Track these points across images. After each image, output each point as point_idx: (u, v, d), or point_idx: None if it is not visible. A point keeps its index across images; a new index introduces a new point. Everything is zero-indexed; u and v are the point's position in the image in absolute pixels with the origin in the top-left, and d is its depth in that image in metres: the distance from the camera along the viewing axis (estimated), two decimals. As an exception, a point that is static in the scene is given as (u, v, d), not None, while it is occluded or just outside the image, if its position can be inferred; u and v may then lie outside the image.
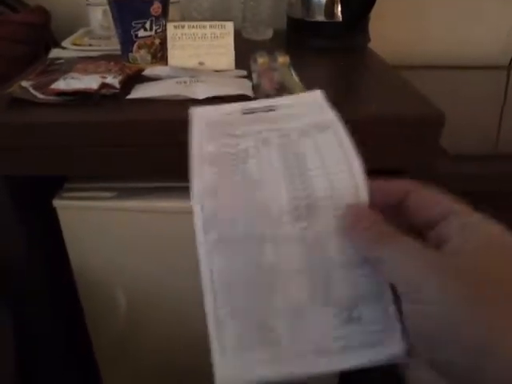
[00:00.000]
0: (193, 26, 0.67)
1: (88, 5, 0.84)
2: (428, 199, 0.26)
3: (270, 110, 0.31)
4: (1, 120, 0.56)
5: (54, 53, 0.77)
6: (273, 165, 0.27)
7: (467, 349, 0.21)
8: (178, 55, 0.68)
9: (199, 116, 0.32)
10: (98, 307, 0.75)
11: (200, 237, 0.26)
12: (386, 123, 0.56)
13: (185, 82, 0.61)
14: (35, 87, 0.60)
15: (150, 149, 0.56)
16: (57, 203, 0.64)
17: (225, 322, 0.25)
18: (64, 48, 0.79)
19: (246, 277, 0.25)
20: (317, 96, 0.31)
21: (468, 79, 1.04)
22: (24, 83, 0.61)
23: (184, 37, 0.67)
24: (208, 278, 0.26)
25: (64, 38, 0.86)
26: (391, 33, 1.00)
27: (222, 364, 0.25)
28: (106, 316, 0.76)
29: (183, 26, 0.68)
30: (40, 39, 0.85)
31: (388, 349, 0.24)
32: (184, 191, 0.64)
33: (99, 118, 0.56)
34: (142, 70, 0.66)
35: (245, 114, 0.31)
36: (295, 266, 0.25)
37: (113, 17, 0.68)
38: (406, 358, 0.24)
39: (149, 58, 0.69)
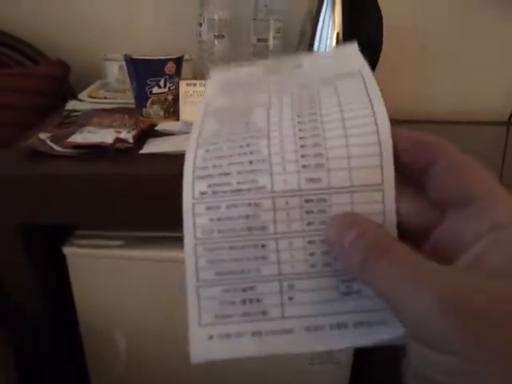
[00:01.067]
0: (204, 85, 0.71)
1: (105, 60, 0.88)
2: (460, 170, 0.20)
3: (296, 68, 0.27)
4: (20, 171, 0.59)
5: (71, 105, 0.81)
6: (282, 112, 0.24)
7: None
8: (189, 111, 0.71)
9: (216, 77, 0.28)
10: (99, 351, 0.76)
11: (187, 187, 0.22)
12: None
13: (195, 138, 0.64)
14: (53, 139, 0.63)
15: (159, 201, 0.58)
16: (67, 250, 0.65)
17: (206, 287, 0.22)
18: (81, 100, 0.83)
19: (234, 237, 0.22)
20: (349, 49, 0.27)
21: (467, 134, 1.07)
22: (42, 135, 0.64)
23: (195, 94, 0.71)
24: (191, 236, 0.22)
25: (81, 89, 0.91)
26: (394, 89, 1.04)
27: (198, 334, 0.22)
28: (106, 360, 0.77)
29: (195, 84, 0.71)
30: (59, 91, 0.90)
31: (387, 329, 0.21)
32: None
33: (113, 171, 0.59)
34: (155, 124, 0.69)
35: (267, 73, 0.28)
36: (292, 228, 0.22)
37: (129, 73, 0.72)
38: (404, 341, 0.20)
39: (162, 113, 0.72)
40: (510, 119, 1.11)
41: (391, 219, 0.21)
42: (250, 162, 0.22)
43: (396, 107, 0.98)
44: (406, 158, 0.21)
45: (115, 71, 0.86)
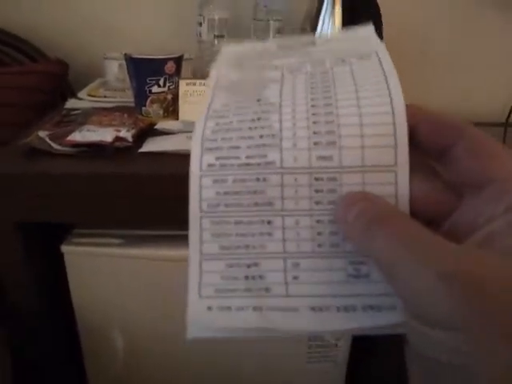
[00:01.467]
0: (204, 84, 0.71)
1: (105, 58, 0.88)
2: (482, 151, 0.20)
3: (309, 45, 0.27)
4: (19, 169, 0.59)
5: (71, 103, 0.81)
6: (295, 88, 0.23)
7: None
8: (188, 110, 0.72)
9: (228, 51, 0.28)
10: (97, 350, 0.76)
11: (194, 159, 0.22)
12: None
13: (195, 137, 0.64)
14: (52, 138, 0.63)
15: (159, 200, 0.59)
16: (65, 249, 0.65)
17: (209, 260, 0.21)
18: (80, 99, 0.83)
19: (240, 212, 0.21)
20: (365, 30, 0.26)
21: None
22: (41, 133, 0.64)
23: (195, 93, 0.71)
24: (196, 207, 0.22)
25: (80, 87, 0.91)
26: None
27: (196, 306, 0.21)
28: (104, 358, 0.77)
29: (194, 83, 0.72)
30: (58, 89, 0.90)
31: (396, 315, 0.20)
32: (187, 239, 0.66)
33: (112, 170, 0.59)
34: (155, 123, 0.69)
35: (280, 49, 0.27)
36: (300, 206, 0.21)
37: (128, 72, 0.72)
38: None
39: (161, 112, 0.72)
40: (507, 120, 1.11)
41: (404, 202, 0.20)
42: (260, 137, 0.21)
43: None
44: (426, 139, 0.21)
45: (115, 70, 0.86)
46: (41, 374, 0.76)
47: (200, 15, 0.87)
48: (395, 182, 0.20)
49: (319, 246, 0.21)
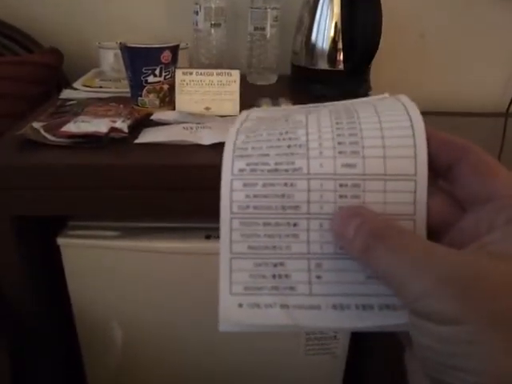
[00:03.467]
0: (200, 73, 0.70)
1: (100, 48, 0.87)
2: (485, 169, 0.22)
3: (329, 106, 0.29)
4: (12, 161, 0.58)
5: (66, 93, 0.80)
6: (320, 114, 0.25)
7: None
8: (185, 100, 0.71)
9: (253, 111, 0.30)
10: (95, 342, 0.75)
11: (226, 164, 0.23)
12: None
13: (191, 128, 0.63)
14: (46, 129, 0.62)
15: (155, 192, 0.58)
16: (61, 241, 0.65)
17: (238, 258, 0.23)
18: (75, 89, 0.82)
19: (269, 214, 0.23)
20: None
21: (465, 126, 1.06)
22: (35, 124, 0.63)
23: (192, 83, 0.70)
24: (227, 209, 0.23)
25: (75, 77, 0.90)
26: (390, 81, 1.03)
27: (228, 302, 0.23)
28: (102, 351, 0.76)
29: (191, 73, 0.70)
30: (53, 79, 0.88)
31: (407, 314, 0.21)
32: (186, 232, 0.66)
33: (107, 161, 0.58)
34: (151, 113, 0.68)
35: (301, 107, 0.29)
36: (325, 209, 0.22)
37: (124, 62, 0.71)
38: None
39: (157, 102, 0.71)
40: (508, 110, 1.11)
41: (421, 210, 0.22)
42: (288, 146, 0.23)
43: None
44: (433, 156, 0.22)
45: (110, 59, 0.85)
46: (36, 367, 0.76)
47: (196, 4, 0.86)
48: (414, 190, 0.22)
49: (341, 248, 0.22)
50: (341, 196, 0.22)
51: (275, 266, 0.23)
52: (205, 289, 0.68)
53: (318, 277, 0.23)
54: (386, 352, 0.60)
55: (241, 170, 0.23)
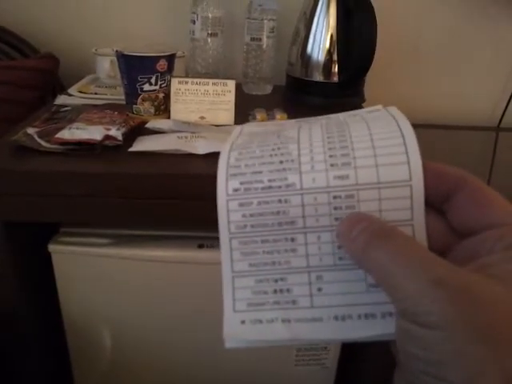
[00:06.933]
0: (196, 83, 0.70)
1: (96, 54, 0.87)
2: (482, 200, 0.22)
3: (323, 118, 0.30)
4: (5, 166, 0.57)
5: (61, 99, 0.80)
6: (312, 129, 0.25)
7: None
8: (180, 109, 0.71)
9: (250, 124, 0.30)
10: (84, 349, 0.75)
11: (221, 185, 0.24)
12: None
13: (186, 137, 0.63)
14: (40, 135, 0.62)
15: (148, 201, 0.58)
16: (52, 248, 0.64)
17: (240, 276, 0.24)
18: (70, 95, 0.82)
19: (266, 231, 0.23)
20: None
21: (457, 139, 1.07)
22: (29, 130, 0.63)
23: (187, 92, 0.70)
24: (225, 229, 0.24)
25: (71, 83, 0.89)
26: (384, 93, 1.04)
27: (232, 320, 0.23)
28: (90, 358, 0.76)
29: (187, 82, 0.71)
30: (48, 85, 0.88)
31: None
32: (179, 241, 0.66)
33: (101, 169, 0.58)
34: (146, 121, 0.68)
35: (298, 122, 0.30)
36: (321, 222, 0.23)
37: (120, 69, 0.71)
38: None
39: (152, 110, 0.71)
40: (499, 125, 1.12)
41: (419, 215, 0.22)
42: (281, 162, 0.23)
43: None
44: (430, 186, 0.22)
45: (106, 66, 0.85)
46: (25, 374, 0.75)
47: (193, 13, 0.86)
48: (410, 195, 0.22)
49: (340, 259, 0.23)
50: (335, 208, 0.23)
51: (276, 281, 0.23)
52: (196, 297, 0.68)
53: (319, 289, 0.23)
54: (376, 363, 0.60)
55: (235, 190, 0.23)
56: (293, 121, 0.29)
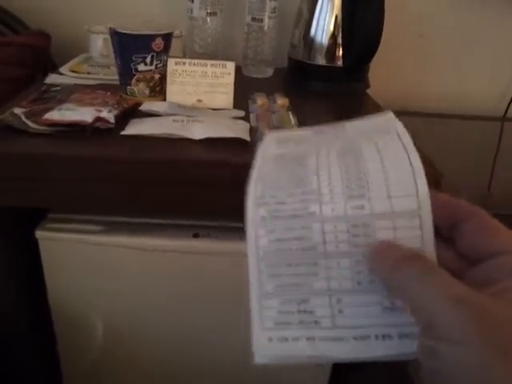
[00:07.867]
0: (194, 64, 0.67)
1: (89, 32, 0.83)
2: (489, 229, 0.24)
3: (339, 128, 0.31)
4: (-11, 148, 0.54)
5: (52, 78, 0.76)
6: (330, 162, 0.27)
7: None
8: (176, 91, 0.67)
9: (271, 135, 0.33)
10: (72, 337, 0.73)
11: (250, 214, 0.26)
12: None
13: (182, 121, 0.60)
14: (28, 115, 0.58)
15: (140, 186, 0.55)
16: (39, 234, 0.62)
17: (267, 297, 0.25)
18: (61, 74, 0.78)
19: (290, 256, 0.26)
20: (388, 117, 0.30)
21: (462, 129, 1.05)
22: (17, 110, 0.60)
23: (184, 73, 0.67)
24: (254, 254, 0.26)
25: (63, 61, 0.86)
26: (390, 80, 1.01)
27: (260, 337, 0.25)
28: (79, 347, 0.74)
29: (184, 63, 0.67)
30: (39, 62, 0.84)
31: None
32: (173, 229, 0.63)
33: (91, 152, 0.55)
34: (140, 103, 0.65)
35: (315, 133, 0.32)
36: (340, 249, 0.25)
37: (113, 48, 0.67)
38: None
39: (147, 91, 0.68)
40: (505, 115, 1.09)
41: (429, 242, 0.24)
42: (303, 193, 0.26)
43: (391, 98, 0.95)
44: (438, 217, 0.24)
45: (99, 45, 0.82)
46: (10, 363, 0.73)
47: (192, -10, 0.82)
48: (420, 225, 0.24)
49: (358, 283, 0.25)
50: (354, 235, 0.25)
51: (299, 303, 0.25)
52: (190, 287, 0.66)
53: (340, 311, 0.24)
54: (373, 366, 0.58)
55: (263, 218, 0.26)
56: (310, 133, 0.31)
